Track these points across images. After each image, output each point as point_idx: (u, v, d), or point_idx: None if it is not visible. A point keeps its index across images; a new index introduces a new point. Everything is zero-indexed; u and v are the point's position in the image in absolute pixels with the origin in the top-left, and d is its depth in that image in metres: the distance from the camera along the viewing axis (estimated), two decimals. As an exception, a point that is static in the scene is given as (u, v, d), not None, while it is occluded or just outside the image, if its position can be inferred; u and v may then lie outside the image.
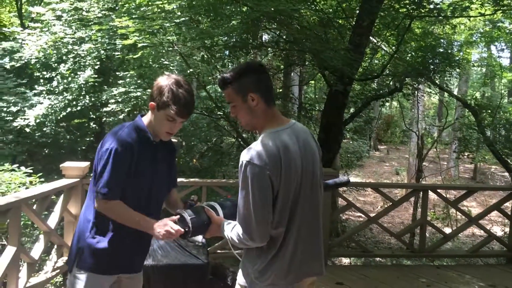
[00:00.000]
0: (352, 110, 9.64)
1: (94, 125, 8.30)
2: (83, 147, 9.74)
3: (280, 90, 11.10)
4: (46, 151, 8.05)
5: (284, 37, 6.98)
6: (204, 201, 4.41)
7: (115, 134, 2.09)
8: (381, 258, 6.31)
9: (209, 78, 8.28)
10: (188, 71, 6.71)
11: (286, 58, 8.88)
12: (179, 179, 4.65)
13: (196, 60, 6.58)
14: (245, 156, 1.76)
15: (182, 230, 1.93)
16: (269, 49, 7.79)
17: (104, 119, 7.14)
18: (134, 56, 5.27)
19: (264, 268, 1.81)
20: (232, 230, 1.82)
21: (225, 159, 9.57)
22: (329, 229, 4.69)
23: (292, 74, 12.53)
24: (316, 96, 12.86)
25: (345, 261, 7.61)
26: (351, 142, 20.68)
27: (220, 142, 9.81)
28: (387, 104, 21.39)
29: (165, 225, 1.94)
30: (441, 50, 8.82)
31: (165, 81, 2.09)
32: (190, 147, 10.48)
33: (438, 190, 5.11)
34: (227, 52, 6.89)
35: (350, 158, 19.51)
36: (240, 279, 1.88)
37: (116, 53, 5.58)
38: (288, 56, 8.36)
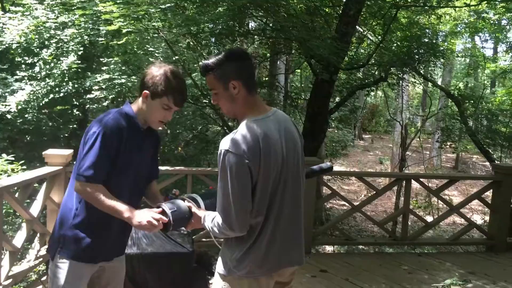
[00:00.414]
0: (337, 99, 9.67)
1: (77, 112, 8.18)
2: (66, 134, 9.60)
3: (266, 79, 11.08)
4: (28, 138, 7.91)
5: (271, 25, 6.94)
6: (189, 189, 4.40)
7: (101, 119, 2.06)
8: (364, 246, 6.41)
9: (195, 65, 8.20)
10: (174, 58, 6.64)
11: (273, 46, 8.84)
12: (164, 167, 4.65)
13: (182, 47, 6.51)
14: (223, 144, 1.74)
15: (165, 219, 1.91)
16: (255, 37, 7.73)
17: (88, 106, 7.03)
18: (119, 42, 5.19)
19: (241, 257, 1.80)
20: (213, 221, 1.81)
21: (210, 147, 9.54)
22: (313, 218, 4.73)
23: (278, 62, 12.49)
24: (302, 85, 12.86)
25: (329, 249, 7.69)
26: (336, 131, 20.79)
27: (205, 130, 9.77)
28: (372, 93, 21.51)
29: (147, 216, 1.93)
30: (426, 40, 8.87)
31: (158, 70, 2.08)
32: (175, 135, 10.42)
33: (421, 179, 5.19)
34: (213, 40, 6.83)
35: (335, 147, 19.61)
36: (219, 267, 1.88)
37: (100, 39, 5.48)
38: (274, 44, 8.33)
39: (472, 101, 10.33)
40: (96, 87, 5.75)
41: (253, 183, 1.74)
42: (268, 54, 10.34)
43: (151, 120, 2.13)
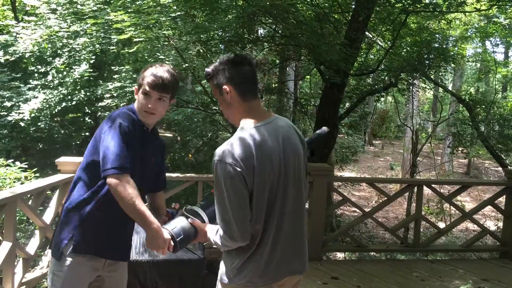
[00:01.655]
0: (347, 105, 9.66)
1: (89, 120, 8.28)
2: (78, 142, 9.70)
3: (275, 85, 11.11)
4: (40, 146, 8.02)
5: (280, 31, 6.97)
6: (200, 196, 4.41)
7: (112, 115, 2.09)
8: (375, 253, 6.36)
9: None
10: (184, 66, 6.69)
11: (282, 53, 8.87)
12: (175, 174, 4.67)
13: (192, 54, 6.56)
14: (217, 154, 1.73)
15: (172, 244, 1.86)
16: (264, 43, 7.77)
17: (99, 114, 7.12)
18: (130, 51, 5.24)
19: (241, 266, 1.79)
20: (216, 233, 1.80)
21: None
22: (323, 224, 4.71)
23: (287, 69, 12.52)
24: (312, 91, 12.86)
25: (340, 255, 7.65)
26: (346, 137, 20.73)
27: (215, 137, 9.81)
28: (382, 99, 21.43)
29: (161, 245, 1.88)
30: (436, 45, 8.84)
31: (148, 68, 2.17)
32: (185, 142, 10.48)
33: (433, 185, 5.15)
34: (222, 47, 6.87)
35: (345, 153, 19.56)
36: (221, 276, 1.86)
37: (111, 47, 5.55)
38: (283, 51, 8.35)
39: (483, 106, 10.26)
40: (108, 95, 5.82)
41: (249, 191, 1.71)
42: (277, 61, 10.34)
43: (139, 113, 2.13)
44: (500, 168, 15.13)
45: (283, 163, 1.78)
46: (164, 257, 3.12)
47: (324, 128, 2.28)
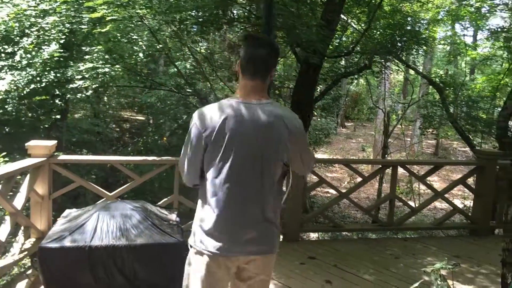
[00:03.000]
0: (321, 87, 9.68)
1: (59, 102, 8.01)
2: (46, 126, 9.41)
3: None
4: (7, 130, 7.74)
5: (255, 12, 6.87)
6: (177, 179, 4.36)
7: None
8: (348, 232, 6.46)
9: (178, 54, 8.09)
10: (157, 47, 6.53)
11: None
12: (150, 158, 4.60)
13: (165, 35, 6.40)
14: (194, 113, 1.98)
15: None
16: (239, 25, 7.65)
17: (69, 96, 6.88)
18: (102, 30, 5.06)
19: (195, 229, 1.99)
20: None
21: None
22: (301, 206, 4.74)
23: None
24: (286, 74, 12.83)
25: (313, 235, 7.75)
26: (319, 119, 20.88)
27: (190, 119, 9.67)
28: (355, 82, 21.59)
29: None
30: (409, 28, 8.91)
31: None
32: (159, 125, 10.33)
33: (407, 166, 5.25)
34: (195, 28, 6.73)
35: (318, 135, 19.72)
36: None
37: (82, 27, 5.35)
38: (259, 32, 8.24)
39: (452, 88, 10.46)
40: (79, 77, 5.62)
41: (204, 152, 1.91)
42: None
43: None
44: (467, 149, 15.61)
45: (246, 140, 1.87)
46: (141, 241, 3.09)
47: None
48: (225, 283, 2.00)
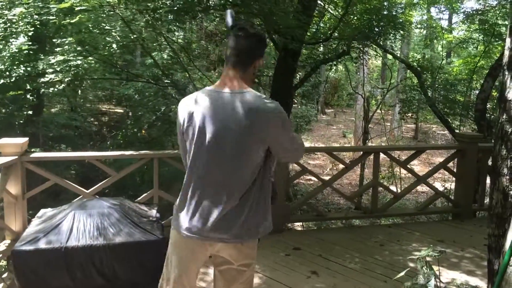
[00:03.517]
0: (300, 75, 9.61)
1: (31, 97, 7.75)
2: (21, 121, 9.11)
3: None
4: (-21, 127, 7.47)
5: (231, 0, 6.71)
6: (156, 173, 4.24)
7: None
8: (332, 220, 6.45)
9: (154, 44, 7.88)
10: (132, 37, 6.33)
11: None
12: (128, 152, 4.46)
13: (140, 25, 6.19)
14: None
15: None
16: (215, 13, 7.47)
17: (42, 90, 6.64)
18: (72, 21, 4.85)
19: (174, 210, 2.07)
20: None
21: (174, 128, 9.31)
22: (285, 196, 4.68)
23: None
24: (265, 62, 12.71)
25: (298, 225, 7.73)
26: (299, 107, 20.87)
27: (168, 111, 9.51)
28: (334, 68, 21.59)
29: None
30: (386, 12, 8.87)
31: None
32: (137, 117, 10.12)
33: (389, 152, 5.23)
34: (172, 17, 6.54)
35: (299, 122, 19.73)
36: None
37: (51, 18, 5.12)
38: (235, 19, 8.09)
39: (430, 72, 10.51)
40: (51, 70, 5.39)
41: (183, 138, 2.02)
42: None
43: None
44: (446, 132, 15.79)
45: (212, 128, 1.89)
46: (120, 240, 2.98)
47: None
48: (199, 262, 2.07)
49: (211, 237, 1.94)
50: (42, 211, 3.47)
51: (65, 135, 11.94)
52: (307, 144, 19.34)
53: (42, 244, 2.88)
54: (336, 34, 8.00)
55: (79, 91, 13.58)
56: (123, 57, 10.83)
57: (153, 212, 3.46)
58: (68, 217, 3.06)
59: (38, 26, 5.74)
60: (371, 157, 5.02)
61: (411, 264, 3.82)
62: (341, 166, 5.16)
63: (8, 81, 5.97)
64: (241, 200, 1.92)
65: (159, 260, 3.08)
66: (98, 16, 5.21)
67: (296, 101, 21.36)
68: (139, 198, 4.15)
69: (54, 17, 5.07)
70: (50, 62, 5.22)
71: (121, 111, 14.92)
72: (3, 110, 8.71)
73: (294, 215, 5.36)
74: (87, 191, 4.01)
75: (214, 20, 8.92)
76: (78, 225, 3.00)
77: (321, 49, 10.31)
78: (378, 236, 4.52)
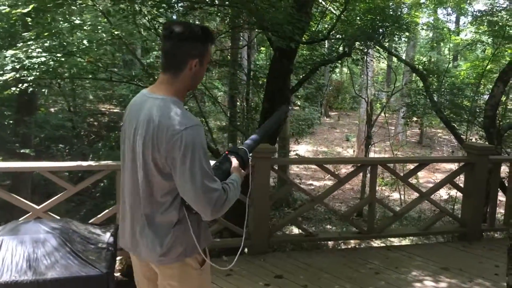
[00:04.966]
0: (299, 77, 9.09)
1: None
2: (10, 121, 8.71)
3: (223, 56, 10.42)
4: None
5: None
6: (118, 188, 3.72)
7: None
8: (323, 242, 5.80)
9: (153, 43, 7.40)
10: (114, 33, 5.76)
11: (232, 21, 8.11)
12: (85, 163, 3.82)
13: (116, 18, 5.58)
14: None
15: None
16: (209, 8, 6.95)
17: (30, 89, 6.14)
18: (23, 11, 4.24)
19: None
20: None
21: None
22: (268, 214, 4.13)
23: (242, 39, 11.81)
24: (268, 63, 12.21)
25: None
26: (302, 110, 20.38)
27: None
28: (337, 70, 21.07)
29: None
30: (391, 12, 8.38)
31: None
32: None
33: (387, 164, 4.67)
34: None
35: (301, 126, 19.24)
36: None
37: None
38: (231, 18, 7.60)
39: (436, 76, 10.01)
40: (9, 67, 4.76)
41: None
42: (223, 29, 9.58)
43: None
44: (453, 137, 15.16)
45: (132, 137, 1.73)
46: (53, 274, 2.44)
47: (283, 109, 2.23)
48: (142, 277, 1.95)
49: (140, 254, 1.87)
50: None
51: (59, 136, 11.55)
52: (308, 147, 18.81)
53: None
54: (338, 36, 7.51)
55: (78, 91, 13.27)
56: (125, 57, 10.40)
57: (106, 237, 2.91)
58: (-5, 245, 2.53)
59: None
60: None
61: (410, 300, 3.27)
62: (342, 170, 4.62)
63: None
64: (152, 222, 1.79)
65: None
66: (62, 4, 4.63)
67: (299, 104, 20.93)
68: (98, 216, 3.62)
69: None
70: (6, 57, 4.63)
71: (120, 111, 14.59)
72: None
73: (280, 234, 4.80)
74: (38, 207, 3.48)
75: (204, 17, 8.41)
76: (5, 255, 2.46)
77: (323, 50, 9.81)
78: (374, 262, 3.96)
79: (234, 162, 1.85)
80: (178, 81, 1.71)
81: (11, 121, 10.71)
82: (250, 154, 1.94)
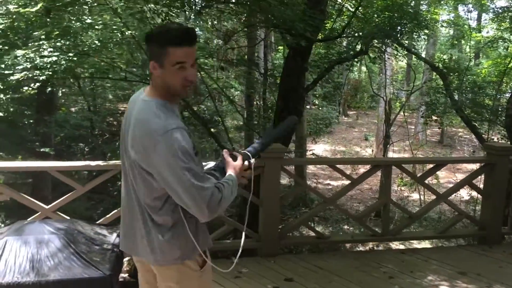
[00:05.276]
0: (314, 76, 8.98)
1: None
2: (31, 121, 8.82)
3: (241, 56, 10.39)
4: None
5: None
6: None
7: None
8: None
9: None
10: (127, 33, 5.75)
11: (247, 20, 8.06)
12: (94, 163, 3.85)
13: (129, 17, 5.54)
14: None
15: None
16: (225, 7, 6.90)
17: (49, 89, 6.18)
18: (32, 10, 4.23)
19: None
20: None
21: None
22: (278, 215, 4.04)
23: (258, 38, 11.76)
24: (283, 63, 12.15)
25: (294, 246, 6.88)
26: (320, 108, 20.20)
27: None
28: (356, 69, 20.80)
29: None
30: (409, 9, 8.20)
31: None
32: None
33: (402, 165, 4.53)
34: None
35: (318, 125, 19.08)
36: None
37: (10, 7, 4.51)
38: (248, 17, 7.55)
39: (456, 74, 9.77)
40: (20, 67, 4.77)
41: None
42: (239, 28, 9.53)
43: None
44: (474, 137, 14.80)
45: (124, 138, 1.74)
46: (55, 276, 2.41)
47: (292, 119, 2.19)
48: (143, 281, 1.95)
49: (134, 251, 1.89)
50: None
51: (79, 135, 11.69)
52: (326, 146, 18.63)
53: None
54: (356, 34, 7.37)
55: (98, 91, 13.41)
56: (144, 57, 10.45)
57: (112, 237, 2.89)
58: (-1, 245, 2.51)
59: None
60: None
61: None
62: (362, 169, 4.50)
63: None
64: (148, 229, 1.79)
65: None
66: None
67: (317, 103, 20.76)
68: (107, 216, 3.60)
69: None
70: (18, 57, 4.64)
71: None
72: (11, 109, 8.44)
73: (294, 235, 4.71)
74: (47, 207, 3.48)
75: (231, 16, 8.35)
76: (8, 256, 2.45)
77: (340, 48, 9.66)
78: (388, 266, 3.84)
79: (229, 160, 1.81)
80: (154, 83, 1.70)
81: (31, 121, 10.87)
82: (253, 160, 1.88)
